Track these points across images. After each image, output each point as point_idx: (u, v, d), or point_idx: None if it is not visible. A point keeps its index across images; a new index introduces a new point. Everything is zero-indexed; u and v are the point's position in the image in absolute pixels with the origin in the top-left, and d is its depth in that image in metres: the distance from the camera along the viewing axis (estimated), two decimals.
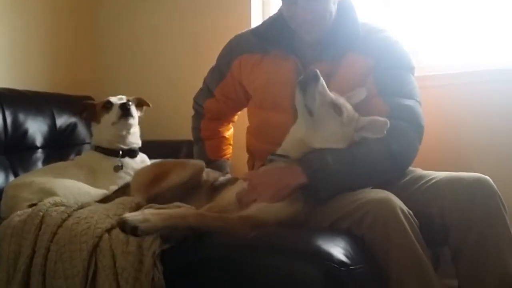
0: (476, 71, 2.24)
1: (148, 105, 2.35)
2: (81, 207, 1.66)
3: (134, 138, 2.26)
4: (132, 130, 2.22)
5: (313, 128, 1.60)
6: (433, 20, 2.43)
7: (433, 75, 2.29)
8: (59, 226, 1.53)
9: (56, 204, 1.69)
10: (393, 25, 2.43)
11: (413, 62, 1.83)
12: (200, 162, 1.90)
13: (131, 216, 1.33)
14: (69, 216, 1.56)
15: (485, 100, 2.19)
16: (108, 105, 2.20)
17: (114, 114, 2.17)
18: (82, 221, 1.51)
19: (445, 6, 2.39)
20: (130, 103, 2.20)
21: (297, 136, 1.64)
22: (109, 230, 1.47)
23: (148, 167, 1.99)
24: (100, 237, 1.45)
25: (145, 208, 1.55)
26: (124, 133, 2.20)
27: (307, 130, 1.60)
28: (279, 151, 1.66)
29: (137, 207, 1.62)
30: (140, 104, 2.35)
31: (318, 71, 1.57)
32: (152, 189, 1.76)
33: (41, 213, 1.60)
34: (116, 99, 2.23)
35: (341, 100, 1.63)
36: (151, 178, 1.81)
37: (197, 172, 1.83)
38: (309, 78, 1.57)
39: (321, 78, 1.57)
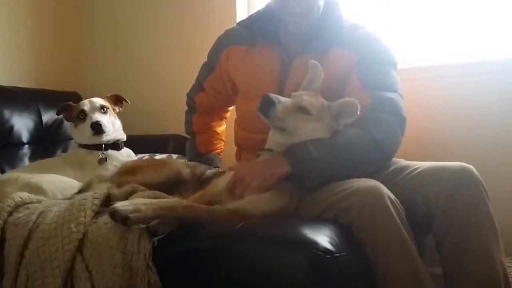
0: (457, 64, 2.28)
1: (127, 101, 2.31)
2: (44, 210, 1.59)
3: (116, 132, 2.23)
4: (108, 129, 2.16)
5: (291, 136, 1.60)
6: (415, 13, 2.46)
7: (415, 68, 2.31)
8: (25, 246, 1.47)
9: (16, 206, 1.62)
10: (377, 19, 2.46)
11: (396, 58, 1.85)
12: (176, 164, 1.90)
13: (122, 206, 1.34)
14: (30, 232, 1.49)
15: (467, 91, 2.22)
16: (82, 116, 2.17)
17: (87, 129, 2.13)
18: (47, 242, 1.44)
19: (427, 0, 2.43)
20: (100, 119, 2.13)
21: (279, 141, 1.64)
22: (79, 247, 1.43)
23: (129, 161, 2.04)
24: (72, 260, 1.41)
25: (133, 196, 1.57)
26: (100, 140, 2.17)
27: (287, 139, 1.61)
28: (266, 146, 1.68)
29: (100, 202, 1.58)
30: (119, 100, 2.31)
31: (270, 95, 1.55)
32: (123, 181, 1.78)
33: (1, 221, 1.54)
34: (89, 106, 2.18)
35: (305, 98, 1.61)
36: (122, 171, 1.88)
37: (172, 174, 1.83)
38: (265, 106, 1.55)
39: (275, 98, 1.54)
